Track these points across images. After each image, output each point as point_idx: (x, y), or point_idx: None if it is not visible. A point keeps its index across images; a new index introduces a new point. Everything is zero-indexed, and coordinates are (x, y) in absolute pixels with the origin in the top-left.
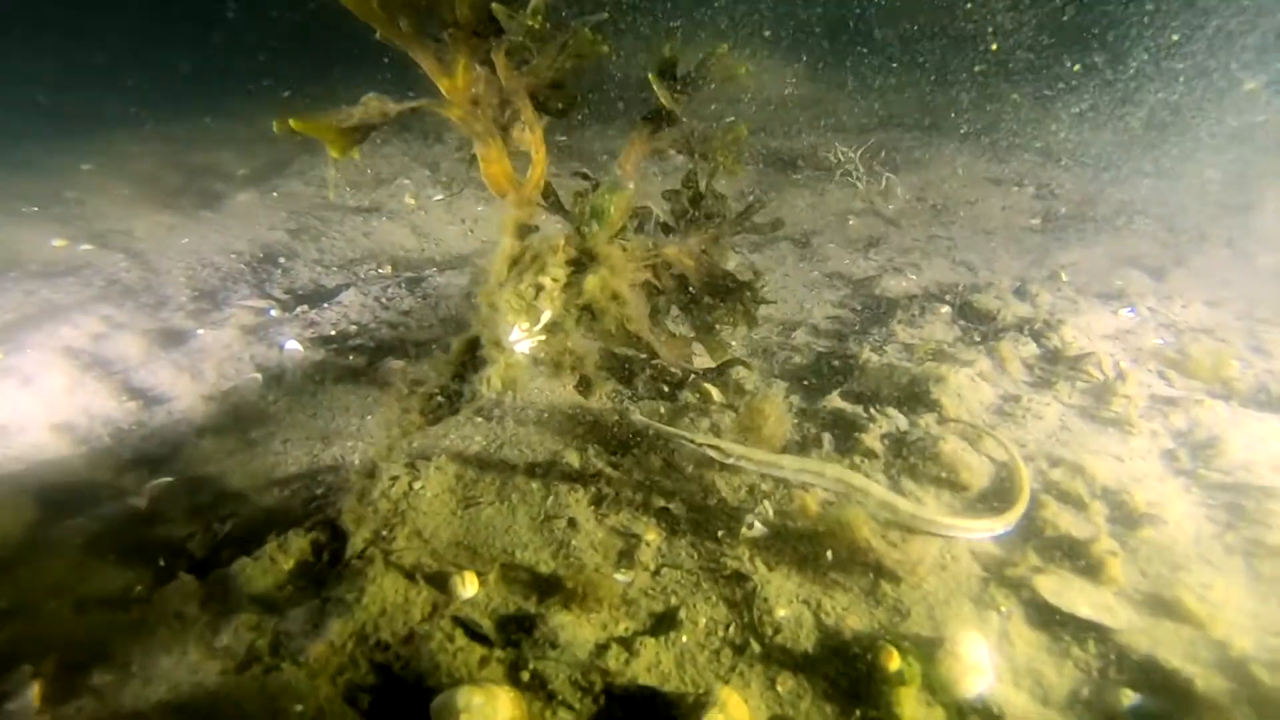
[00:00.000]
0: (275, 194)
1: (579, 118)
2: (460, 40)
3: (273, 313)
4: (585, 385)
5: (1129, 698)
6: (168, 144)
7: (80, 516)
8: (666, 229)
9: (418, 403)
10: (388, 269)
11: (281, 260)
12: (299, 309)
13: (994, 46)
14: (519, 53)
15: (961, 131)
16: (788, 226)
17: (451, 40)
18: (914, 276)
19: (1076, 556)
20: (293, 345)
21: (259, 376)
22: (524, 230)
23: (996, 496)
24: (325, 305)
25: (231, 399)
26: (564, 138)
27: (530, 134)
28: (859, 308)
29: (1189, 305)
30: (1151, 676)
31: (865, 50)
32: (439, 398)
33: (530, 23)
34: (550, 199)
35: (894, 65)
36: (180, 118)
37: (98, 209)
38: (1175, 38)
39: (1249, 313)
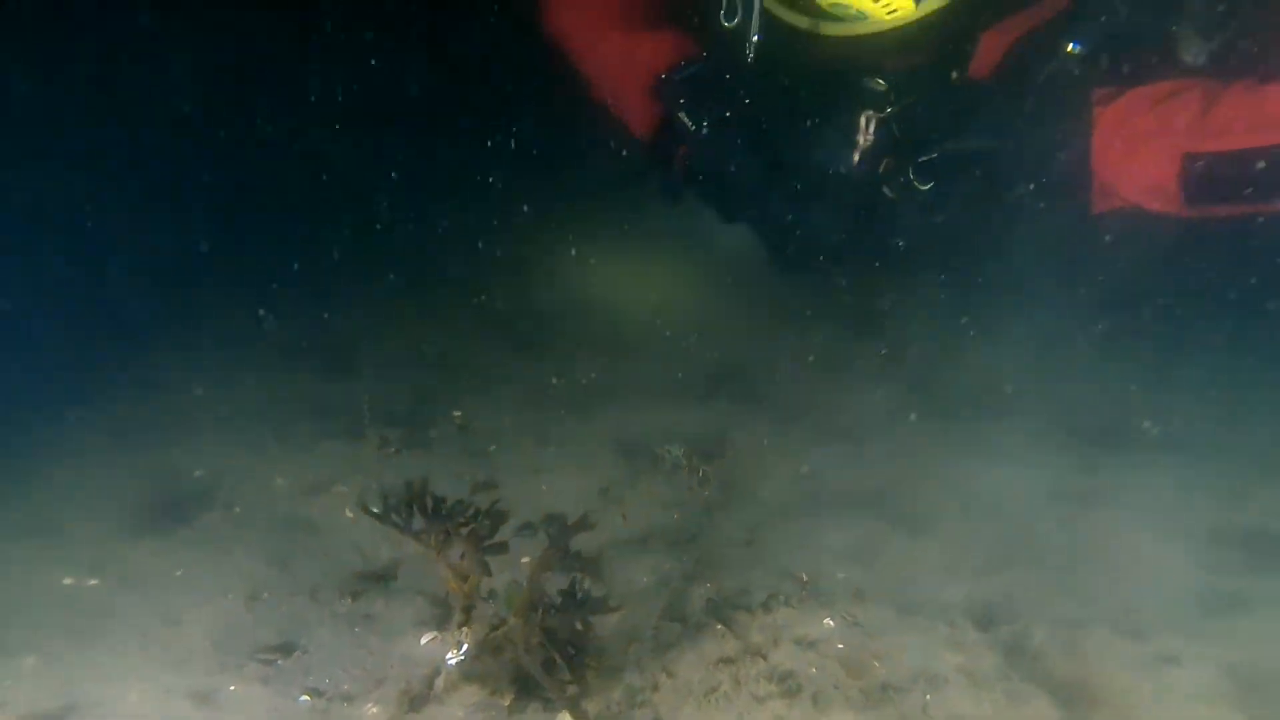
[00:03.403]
0: (237, 509)
1: None
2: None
3: (280, 663)
4: (501, 694)
5: None
6: (113, 435)
7: None
8: (553, 608)
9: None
10: (349, 601)
11: (265, 595)
12: (296, 654)
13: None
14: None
15: (768, 402)
16: (629, 523)
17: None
18: (709, 584)
19: None
20: (304, 700)
21: None
22: (467, 609)
23: None
24: (312, 650)
25: None
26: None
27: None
28: (671, 621)
29: (867, 606)
30: None
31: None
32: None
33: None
34: (485, 595)
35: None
36: (116, 397)
37: (82, 533)
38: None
39: (898, 604)
